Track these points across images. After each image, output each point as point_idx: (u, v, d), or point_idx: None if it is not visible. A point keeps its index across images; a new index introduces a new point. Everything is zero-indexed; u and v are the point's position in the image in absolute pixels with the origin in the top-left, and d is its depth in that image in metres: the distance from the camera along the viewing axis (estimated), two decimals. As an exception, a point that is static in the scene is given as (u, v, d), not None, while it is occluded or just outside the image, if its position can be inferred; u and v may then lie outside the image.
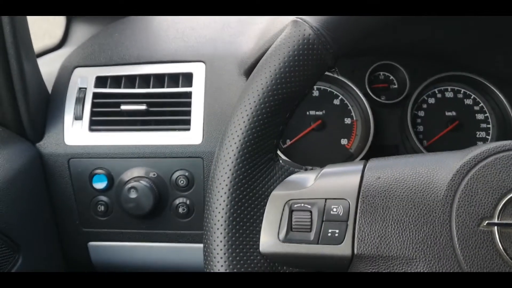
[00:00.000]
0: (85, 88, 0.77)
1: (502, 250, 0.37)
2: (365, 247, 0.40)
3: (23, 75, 0.67)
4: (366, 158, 0.46)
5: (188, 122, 0.74)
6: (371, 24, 0.46)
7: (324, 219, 0.42)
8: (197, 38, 0.82)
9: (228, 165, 0.43)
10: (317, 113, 0.82)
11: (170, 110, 0.75)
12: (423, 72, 0.82)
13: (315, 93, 0.83)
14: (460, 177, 0.40)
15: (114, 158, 0.74)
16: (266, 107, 0.43)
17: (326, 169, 0.45)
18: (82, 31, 0.92)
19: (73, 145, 0.74)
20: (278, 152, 0.67)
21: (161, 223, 0.76)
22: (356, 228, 0.40)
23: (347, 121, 0.82)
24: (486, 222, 0.38)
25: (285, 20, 0.62)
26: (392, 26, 0.47)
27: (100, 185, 0.74)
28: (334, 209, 0.42)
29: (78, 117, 0.75)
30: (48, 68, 0.80)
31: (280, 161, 0.46)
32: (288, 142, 0.81)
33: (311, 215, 0.42)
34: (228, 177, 0.43)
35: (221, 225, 0.42)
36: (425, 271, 0.38)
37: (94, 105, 0.76)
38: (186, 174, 0.73)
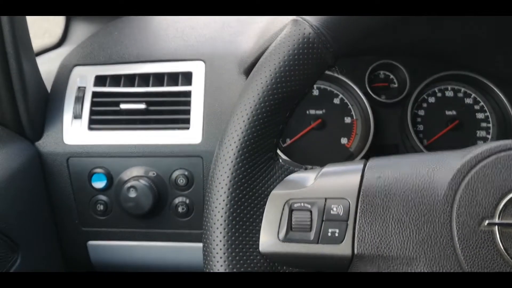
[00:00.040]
0: (84, 87, 0.76)
1: (503, 250, 0.37)
2: (365, 246, 0.40)
3: (22, 74, 0.67)
4: (366, 157, 0.46)
5: (187, 121, 0.74)
6: (372, 23, 0.45)
7: (324, 219, 0.41)
8: (196, 37, 0.82)
9: (227, 164, 0.43)
10: (317, 112, 0.82)
11: (170, 109, 0.75)
12: (423, 71, 0.82)
13: (315, 92, 0.83)
14: (460, 177, 0.39)
15: (113, 157, 0.73)
16: (266, 106, 0.43)
17: (326, 169, 0.45)
18: (82, 30, 0.92)
19: (72, 144, 0.74)
20: (278, 151, 0.67)
21: (160, 222, 0.75)
22: (356, 228, 0.40)
23: (347, 120, 0.82)
24: (487, 221, 0.38)
25: (285, 19, 0.61)
26: (392, 26, 0.46)
27: (99, 184, 0.73)
28: (334, 209, 0.41)
29: (77, 116, 0.75)
30: (47, 67, 0.80)
31: (280, 160, 0.46)
32: (288, 141, 0.80)
33: (311, 214, 0.42)
34: (228, 176, 0.42)
35: (221, 224, 0.42)
36: (426, 271, 0.38)
37: (93, 104, 0.75)
38: (186, 173, 0.73)
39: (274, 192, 0.44)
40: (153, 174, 0.73)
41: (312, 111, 0.82)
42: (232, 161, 0.43)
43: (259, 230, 0.42)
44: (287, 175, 0.45)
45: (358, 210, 0.41)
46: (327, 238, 0.41)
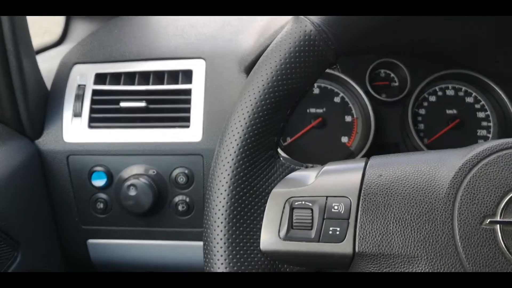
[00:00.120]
0: (84, 85, 0.76)
1: (505, 248, 0.37)
2: (367, 245, 0.39)
3: (22, 72, 0.66)
4: (367, 156, 0.45)
5: (187, 119, 0.73)
6: (373, 21, 0.45)
7: (325, 217, 0.41)
8: (197, 35, 0.82)
9: (228, 162, 0.43)
10: (318, 110, 0.82)
11: (170, 107, 0.74)
12: (424, 70, 0.82)
13: (316, 90, 0.83)
14: (462, 175, 0.39)
15: (113, 155, 0.73)
16: (267, 104, 0.43)
17: (327, 167, 0.45)
18: (82, 28, 0.92)
19: (72, 142, 0.74)
20: (278, 149, 0.67)
21: (160, 221, 0.75)
22: (358, 226, 0.40)
23: (348, 119, 0.82)
24: (489, 220, 0.38)
25: (286, 18, 0.61)
26: (394, 24, 0.46)
27: (99, 182, 0.73)
28: (335, 207, 0.41)
29: (77, 114, 0.74)
30: (47, 65, 0.80)
31: (281, 159, 0.46)
32: (289, 140, 0.80)
33: (312, 213, 0.42)
34: (228, 174, 0.42)
35: (221, 222, 0.42)
36: (427, 269, 0.38)
37: (93, 102, 0.75)
38: (186, 171, 0.73)
39: (275, 190, 0.44)
40: (153, 172, 0.73)
41: (313, 110, 0.82)
42: (232, 159, 0.42)
43: (260, 229, 0.42)
44: (288, 173, 0.45)
45: (359, 209, 0.40)
46: (328, 237, 0.41)
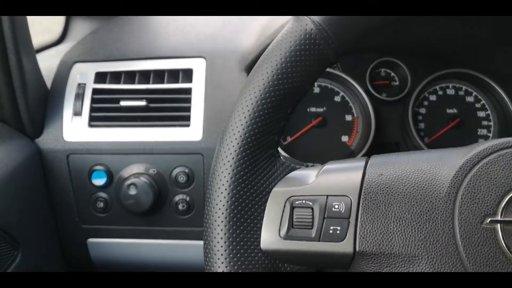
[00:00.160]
0: (85, 84, 0.76)
1: (505, 247, 0.37)
2: (367, 244, 0.39)
3: (22, 70, 0.66)
4: (367, 155, 0.45)
5: (188, 118, 0.73)
6: (374, 20, 0.45)
7: (325, 216, 0.41)
8: (197, 35, 0.82)
9: (228, 161, 0.42)
10: (318, 110, 0.82)
11: (170, 106, 0.74)
12: (424, 69, 0.82)
13: (316, 89, 0.83)
14: (463, 174, 0.39)
15: (113, 154, 0.73)
16: (268, 103, 0.43)
17: (328, 166, 0.45)
18: (82, 27, 0.91)
19: (72, 141, 0.74)
20: (279, 149, 0.67)
21: (160, 220, 0.75)
22: (358, 225, 0.40)
23: (348, 118, 0.82)
24: (489, 219, 0.38)
25: (287, 17, 0.61)
26: (394, 24, 0.46)
27: (99, 181, 0.73)
28: (336, 206, 0.41)
29: (77, 113, 0.74)
30: (47, 63, 0.80)
31: (281, 158, 0.46)
32: (289, 139, 0.80)
33: (313, 212, 0.42)
34: (229, 173, 0.42)
35: (222, 221, 0.41)
36: (427, 269, 0.38)
37: (93, 101, 0.75)
38: (186, 170, 0.73)
39: (275, 189, 0.44)
40: (154, 171, 0.73)
41: (313, 109, 0.82)
42: (233, 158, 0.42)
43: (260, 228, 0.42)
44: (288, 173, 0.45)
45: (360, 208, 0.40)
46: (329, 236, 0.41)
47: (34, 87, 0.72)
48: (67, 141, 0.74)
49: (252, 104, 0.43)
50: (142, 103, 0.74)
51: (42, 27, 0.92)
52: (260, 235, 0.42)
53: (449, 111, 0.83)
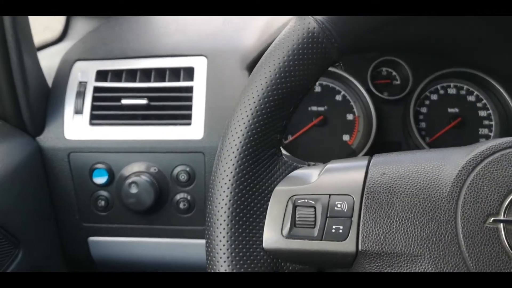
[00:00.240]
0: (86, 82, 0.76)
1: (508, 247, 0.37)
2: (370, 243, 0.39)
3: (24, 69, 0.66)
4: (368, 154, 0.45)
5: (189, 117, 0.73)
6: (378, 20, 0.45)
7: (328, 215, 0.41)
8: (198, 33, 0.82)
9: (231, 160, 0.42)
10: (319, 109, 0.82)
11: (171, 105, 0.74)
12: (425, 68, 0.81)
13: (317, 88, 0.82)
14: (466, 173, 0.39)
15: (114, 153, 0.73)
16: (270, 101, 0.43)
17: (330, 165, 0.44)
18: (83, 25, 0.91)
19: (73, 139, 0.74)
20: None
21: (161, 219, 0.75)
22: (361, 225, 0.40)
23: (349, 117, 0.82)
24: (492, 219, 0.38)
25: (288, 16, 0.61)
26: (398, 22, 0.46)
27: (100, 179, 0.73)
28: (338, 205, 0.41)
29: (78, 111, 0.74)
30: (49, 62, 0.80)
31: (284, 157, 0.46)
32: (290, 138, 0.80)
33: (315, 211, 0.41)
34: (231, 172, 0.42)
35: (224, 220, 0.41)
36: (430, 268, 0.38)
37: (94, 99, 0.75)
38: (187, 169, 0.73)
39: (277, 188, 0.43)
40: (155, 170, 0.73)
41: (314, 108, 0.82)
42: (235, 157, 0.42)
43: (262, 227, 0.42)
44: (290, 171, 0.45)
45: (363, 207, 0.40)
46: (331, 235, 0.41)
47: (35, 85, 0.72)
48: (68, 139, 0.74)
49: (254, 102, 0.43)
50: (143, 101, 0.74)
51: (43, 26, 0.92)
52: (262, 234, 0.42)
53: (450, 110, 0.82)
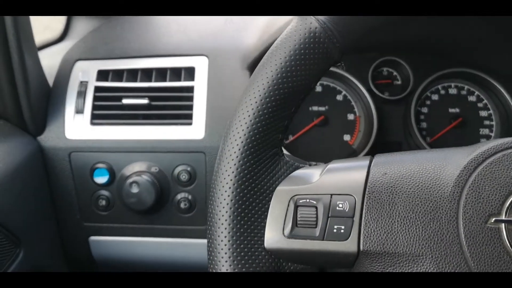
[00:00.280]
0: (87, 82, 0.76)
1: (509, 247, 0.37)
2: (371, 243, 0.39)
3: (25, 68, 0.66)
4: (369, 154, 0.45)
5: (190, 117, 0.73)
6: (379, 20, 0.45)
7: (329, 215, 0.41)
8: (199, 32, 0.82)
9: (232, 160, 0.42)
10: (320, 108, 0.82)
11: (172, 105, 0.74)
12: (426, 68, 0.81)
13: (318, 88, 0.82)
14: (467, 173, 0.39)
15: (115, 152, 0.73)
16: (272, 101, 0.43)
17: (332, 165, 0.44)
18: (83, 25, 0.91)
19: (74, 139, 0.74)
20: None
21: (162, 218, 0.75)
22: (362, 224, 0.40)
23: (350, 117, 0.82)
24: (494, 219, 0.38)
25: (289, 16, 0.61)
26: (399, 22, 0.46)
27: (101, 179, 0.73)
28: (340, 205, 0.41)
29: (79, 110, 0.74)
30: (49, 61, 0.80)
31: (285, 156, 0.46)
32: (291, 138, 0.80)
33: (317, 211, 0.41)
34: (233, 172, 0.42)
35: (226, 220, 0.41)
36: (432, 268, 0.38)
37: (95, 98, 0.75)
38: (188, 169, 0.73)
39: (279, 188, 0.43)
40: (156, 169, 0.73)
41: (315, 108, 0.82)
42: (237, 157, 0.42)
43: (264, 226, 0.42)
44: (292, 171, 0.45)
45: (364, 207, 0.40)
46: (333, 235, 0.41)
47: (36, 85, 0.72)
48: (69, 139, 0.74)
49: (256, 102, 0.43)
50: (144, 101, 0.74)
51: (43, 25, 0.92)
52: (264, 234, 0.42)
53: (451, 110, 0.82)
